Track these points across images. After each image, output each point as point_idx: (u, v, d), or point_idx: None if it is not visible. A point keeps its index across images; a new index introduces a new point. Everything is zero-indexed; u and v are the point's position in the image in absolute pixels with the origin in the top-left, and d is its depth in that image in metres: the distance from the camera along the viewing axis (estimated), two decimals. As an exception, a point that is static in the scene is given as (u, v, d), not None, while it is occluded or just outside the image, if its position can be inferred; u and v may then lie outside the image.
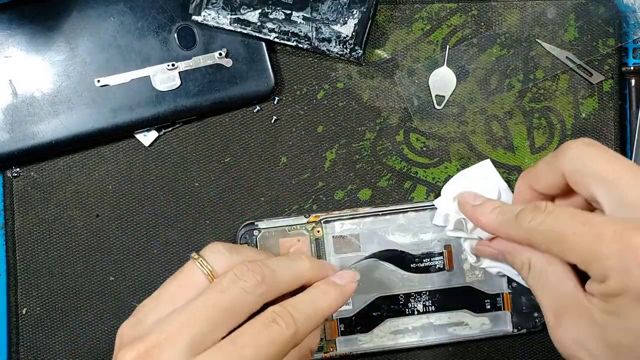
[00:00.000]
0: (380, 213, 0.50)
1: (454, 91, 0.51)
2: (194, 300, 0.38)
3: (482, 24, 0.51)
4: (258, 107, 0.50)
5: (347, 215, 0.49)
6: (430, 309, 0.50)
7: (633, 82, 0.52)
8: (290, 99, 0.51)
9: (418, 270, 0.50)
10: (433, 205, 0.50)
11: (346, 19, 0.48)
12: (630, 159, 0.52)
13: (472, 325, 0.50)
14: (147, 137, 0.50)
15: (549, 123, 0.51)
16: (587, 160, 0.38)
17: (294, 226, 0.49)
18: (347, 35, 0.48)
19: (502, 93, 0.51)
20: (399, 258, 0.50)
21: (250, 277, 0.39)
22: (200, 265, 0.40)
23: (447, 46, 0.51)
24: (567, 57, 0.51)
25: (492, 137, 0.51)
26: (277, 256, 0.44)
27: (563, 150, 0.40)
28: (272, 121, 0.50)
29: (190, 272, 0.40)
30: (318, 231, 0.49)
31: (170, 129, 0.50)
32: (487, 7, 0.51)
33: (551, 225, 0.37)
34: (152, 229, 0.50)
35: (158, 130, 0.50)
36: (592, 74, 0.51)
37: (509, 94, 0.51)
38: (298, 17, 0.48)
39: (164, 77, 0.48)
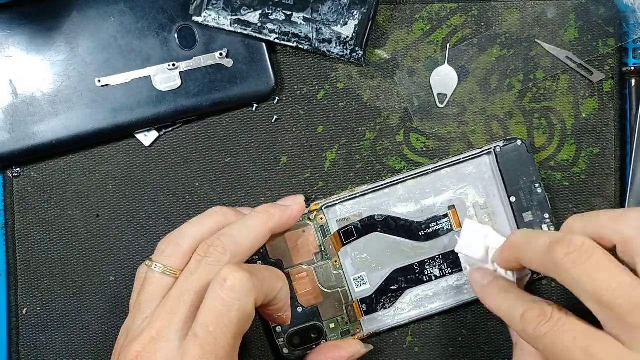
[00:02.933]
0: (378, 188, 0.50)
1: (455, 90, 0.51)
2: (170, 292, 0.41)
3: (483, 24, 0.51)
4: (256, 105, 0.50)
5: (346, 197, 0.49)
6: (447, 272, 0.50)
7: (633, 82, 0.52)
8: (290, 99, 0.51)
9: (427, 236, 0.50)
10: (429, 170, 0.50)
11: (346, 20, 0.48)
12: (630, 159, 0.52)
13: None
14: (147, 137, 0.50)
15: (549, 123, 0.51)
16: (581, 275, 0.37)
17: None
18: (347, 36, 0.48)
19: (502, 93, 0.51)
20: (405, 229, 0.50)
21: (212, 252, 0.42)
22: (155, 267, 0.42)
23: (448, 45, 0.51)
24: (567, 56, 0.51)
25: (492, 137, 0.51)
26: (237, 216, 0.45)
27: (555, 255, 0.38)
28: (273, 121, 0.50)
29: (151, 279, 0.43)
30: (321, 218, 0.49)
31: (170, 129, 0.50)
32: (487, 7, 0.51)
33: (553, 342, 0.37)
34: (152, 229, 0.50)
35: (158, 130, 0.50)
36: (592, 73, 0.51)
37: (509, 94, 0.51)
38: (298, 18, 0.48)
39: (165, 77, 0.48)
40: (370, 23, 0.48)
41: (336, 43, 0.48)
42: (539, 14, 0.51)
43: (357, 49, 0.49)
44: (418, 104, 0.51)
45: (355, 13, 0.48)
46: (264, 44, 0.49)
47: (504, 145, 0.49)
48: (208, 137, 0.50)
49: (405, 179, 0.50)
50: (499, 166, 0.49)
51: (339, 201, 0.49)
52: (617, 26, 0.51)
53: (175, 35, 0.48)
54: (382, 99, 0.51)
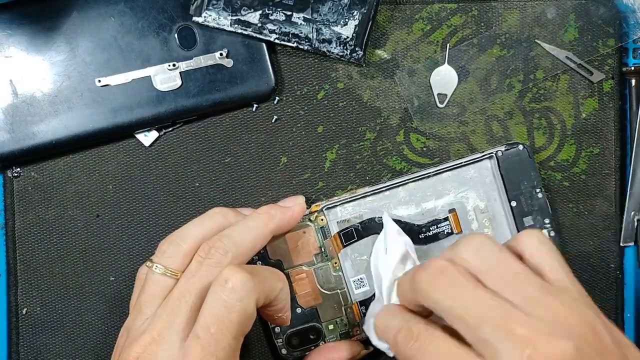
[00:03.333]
0: (378, 190, 0.49)
1: (455, 90, 0.51)
2: (171, 293, 0.41)
3: (482, 24, 0.51)
4: (256, 105, 0.50)
5: (347, 199, 0.49)
6: None
7: (633, 82, 0.52)
8: (290, 99, 0.51)
9: (427, 239, 0.50)
10: (430, 173, 0.49)
11: (347, 20, 0.48)
12: (630, 159, 0.52)
13: None
14: (147, 137, 0.50)
15: (549, 123, 0.51)
16: (436, 294, 0.38)
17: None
18: (347, 37, 0.48)
19: (502, 93, 0.51)
20: (405, 231, 0.49)
21: (213, 253, 0.42)
22: (156, 268, 0.42)
23: (448, 45, 0.51)
24: (567, 56, 0.51)
25: (492, 138, 0.51)
26: (238, 217, 0.45)
27: (416, 280, 0.39)
28: (273, 121, 0.50)
29: (152, 280, 0.42)
30: (322, 219, 0.49)
31: (170, 129, 0.50)
32: (487, 8, 0.51)
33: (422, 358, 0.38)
34: (152, 229, 0.50)
35: (158, 130, 0.50)
36: (592, 73, 0.51)
37: (509, 94, 0.51)
38: (298, 18, 0.48)
39: (165, 77, 0.48)
40: (370, 23, 0.48)
41: (336, 43, 0.48)
42: (539, 14, 0.51)
43: (357, 49, 0.49)
44: (418, 104, 0.51)
45: (355, 13, 0.48)
46: (264, 44, 0.49)
47: (505, 150, 0.49)
48: (208, 137, 0.50)
49: (406, 181, 0.50)
50: (500, 170, 0.49)
51: (340, 203, 0.49)
52: (617, 26, 0.51)
53: (175, 35, 0.48)
54: (382, 99, 0.51)
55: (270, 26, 0.48)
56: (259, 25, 0.48)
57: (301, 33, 0.48)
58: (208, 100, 0.49)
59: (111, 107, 0.48)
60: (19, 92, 0.48)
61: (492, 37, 0.51)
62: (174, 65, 0.48)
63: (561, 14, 0.51)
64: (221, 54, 0.48)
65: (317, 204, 0.49)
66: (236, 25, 0.48)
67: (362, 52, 0.49)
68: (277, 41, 0.48)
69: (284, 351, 0.49)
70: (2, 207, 0.50)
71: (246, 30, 0.48)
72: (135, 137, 0.50)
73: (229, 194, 0.50)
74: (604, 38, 0.51)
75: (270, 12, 0.48)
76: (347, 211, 0.50)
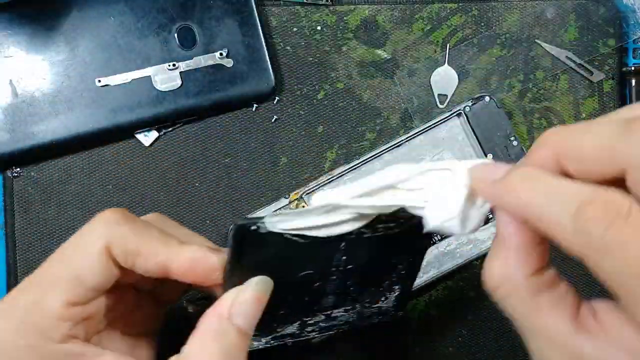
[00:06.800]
0: (355, 167, 0.49)
1: (455, 90, 0.51)
2: None
3: (482, 24, 0.51)
4: (256, 105, 0.50)
5: (324, 181, 0.49)
6: (437, 239, 0.49)
7: (633, 82, 0.52)
8: (290, 99, 0.51)
9: None
10: (402, 140, 0.49)
11: None
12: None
13: (482, 238, 0.49)
14: (147, 137, 0.50)
15: (550, 123, 0.51)
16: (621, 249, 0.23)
17: (278, 210, 0.49)
18: None
19: (502, 93, 0.51)
20: None
21: None
22: None
23: (448, 45, 0.51)
24: (567, 56, 0.51)
25: (492, 137, 0.51)
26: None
27: (631, 134, 0.24)
28: (272, 121, 0.50)
29: None
30: (303, 206, 0.49)
31: (170, 129, 0.50)
32: (487, 7, 0.51)
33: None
34: (152, 229, 0.50)
35: (158, 130, 0.50)
36: (592, 73, 0.51)
37: (509, 94, 0.51)
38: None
39: (165, 77, 0.48)
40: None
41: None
42: (539, 14, 0.51)
43: None
44: (418, 104, 0.51)
45: None
46: (263, 44, 0.49)
47: (472, 104, 0.49)
48: (208, 137, 0.50)
49: (380, 153, 0.49)
50: (470, 126, 0.49)
51: (318, 186, 0.49)
52: (617, 26, 0.51)
53: (175, 35, 0.48)
54: (382, 99, 0.51)
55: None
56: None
57: None
58: (208, 100, 0.49)
59: (111, 107, 0.48)
60: (19, 92, 0.48)
61: (492, 37, 0.51)
62: (174, 65, 0.48)
63: (561, 14, 0.51)
64: (221, 54, 0.48)
65: (295, 192, 0.49)
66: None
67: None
68: None
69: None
70: (2, 207, 0.50)
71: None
72: (135, 137, 0.50)
73: (229, 194, 0.50)
74: (604, 38, 0.51)
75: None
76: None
